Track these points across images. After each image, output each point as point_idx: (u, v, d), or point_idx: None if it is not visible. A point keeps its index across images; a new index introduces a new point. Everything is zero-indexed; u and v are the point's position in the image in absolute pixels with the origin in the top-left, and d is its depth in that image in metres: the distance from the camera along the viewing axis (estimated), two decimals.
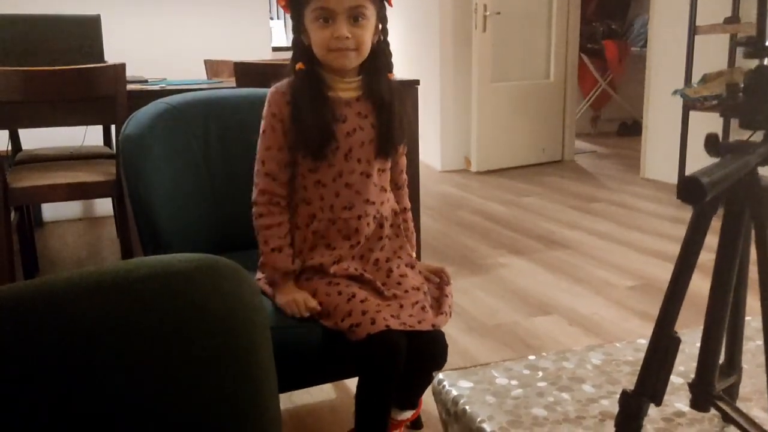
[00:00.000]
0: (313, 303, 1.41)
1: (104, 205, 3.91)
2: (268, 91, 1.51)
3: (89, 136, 3.68)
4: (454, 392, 0.98)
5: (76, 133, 3.42)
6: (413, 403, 1.61)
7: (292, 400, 1.98)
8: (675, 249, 2.88)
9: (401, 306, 1.42)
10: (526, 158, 5.30)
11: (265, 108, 1.51)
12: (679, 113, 4.18)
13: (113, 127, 2.98)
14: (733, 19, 3.94)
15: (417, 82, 2.99)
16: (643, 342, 1.13)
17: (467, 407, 0.94)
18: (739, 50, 4.01)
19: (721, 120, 4.15)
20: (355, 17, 1.40)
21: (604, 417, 0.92)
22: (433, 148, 5.29)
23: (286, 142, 1.48)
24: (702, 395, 0.81)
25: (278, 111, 1.48)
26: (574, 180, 4.83)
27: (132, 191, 1.69)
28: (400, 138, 1.54)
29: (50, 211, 3.95)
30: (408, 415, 1.61)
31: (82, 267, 3.23)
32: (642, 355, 1.09)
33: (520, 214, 3.96)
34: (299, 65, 1.47)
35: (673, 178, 4.31)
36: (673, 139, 4.37)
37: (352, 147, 1.48)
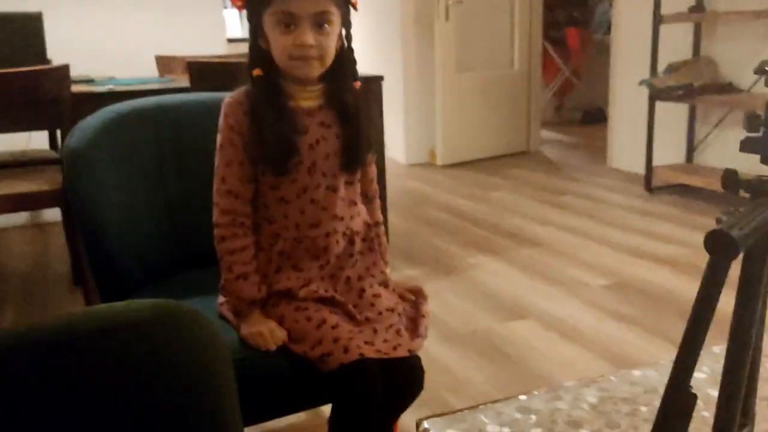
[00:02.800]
0: (281, 335, 1.31)
1: (52, 210, 3.71)
2: (223, 102, 1.39)
3: (34, 137, 3.49)
4: None
5: (20, 135, 3.23)
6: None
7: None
8: (646, 244, 2.82)
9: (375, 331, 1.33)
10: (492, 150, 5.23)
11: (221, 120, 1.39)
12: (644, 102, 4.14)
13: (59, 132, 2.81)
14: (698, 8, 3.90)
15: (381, 78, 2.88)
16: (638, 374, 1.05)
17: None
18: (704, 39, 3.99)
19: (686, 110, 4.13)
20: (320, 24, 1.28)
21: None
22: (397, 142, 5.19)
23: (246, 155, 1.37)
24: None
25: (236, 123, 1.36)
26: (541, 172, 4.78)
27: (78, 210, 1.55)
28: (368, 148, 1.45)
29: None
30: None
31: (30, 278, 3.06)
32: (638, 389, 1.01)
33: (488, 209, 3.88)
34: (257, 71, 1.36)
35: (640, 168, 4.28)
36: (638, 128, 4.35)
37: (315, 160, 1.38)
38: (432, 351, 2.22)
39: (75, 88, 2.42)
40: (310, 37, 1.28)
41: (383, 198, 3.13)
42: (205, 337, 0.88)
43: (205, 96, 1.82)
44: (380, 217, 1.55)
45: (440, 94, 4.92)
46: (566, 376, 2.06)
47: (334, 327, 1.29)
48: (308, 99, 1.39)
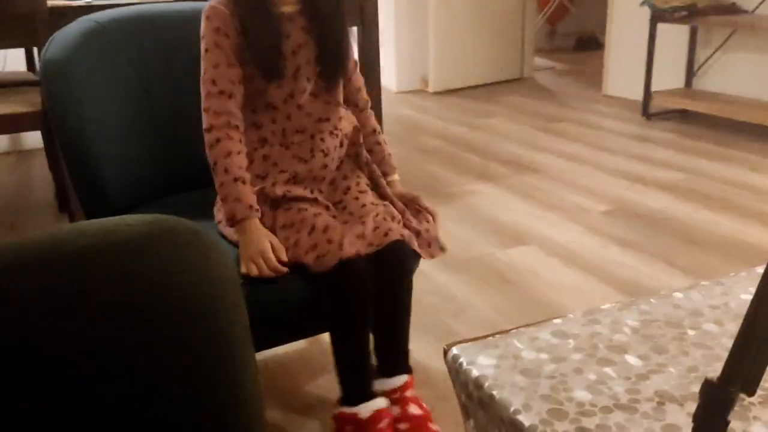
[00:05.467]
0: (281, 257, 1.25)
1: (34, 136, 3.56)
2: (205, 7, 1.36)
3: (10, 61, 3.31)
4: (475, 372, 0.80)
5: None
6: (398, 356, 1.40)
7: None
8: (644, 170, 2.74)
9: (363, 223, 1.32)
10: (485, 76, 5.08)
11: (204, 25, 1.35)
12: (643, 25, 4.00)
13: (36, 50, 2.64)
14: None
15: None
16: (680, 296, 0.97)
17: (495, 392, 0.77)
18: None
19: (688, 33, 4.00)
20: None
21: (663, 399, 0.76)
22: (388, 68, 5.01)
23: (235, 57, 1.34)
24: None
25: (222, 25, 1.33)
26: (536, 99, 4.65)
27: (58, 125, 1.44)
28: (347, 54, 1.45)
29: None
30: (401, 381, 1.36)
31: (13, 207, 2.94)
32: (682, 312, 0.94)
33: (483, 137, 3.77)
34: None
35: (636, 94, 4.16)
36: (637, 53, 4.21)
37: (299, 65, 1.38)
38: (431, 275, 2.15)
39: (51, 2, 2.25)
40: None
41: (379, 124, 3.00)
42: (211, 255, 0.79)
43: (188, 5, 1.69)
44: (376, 125, 1.56)
45: (433, 17, 4.73)
46: (570, 300, 2.01)
47: (324, 230, 1.27)
48: (289, 4, 1.38)
